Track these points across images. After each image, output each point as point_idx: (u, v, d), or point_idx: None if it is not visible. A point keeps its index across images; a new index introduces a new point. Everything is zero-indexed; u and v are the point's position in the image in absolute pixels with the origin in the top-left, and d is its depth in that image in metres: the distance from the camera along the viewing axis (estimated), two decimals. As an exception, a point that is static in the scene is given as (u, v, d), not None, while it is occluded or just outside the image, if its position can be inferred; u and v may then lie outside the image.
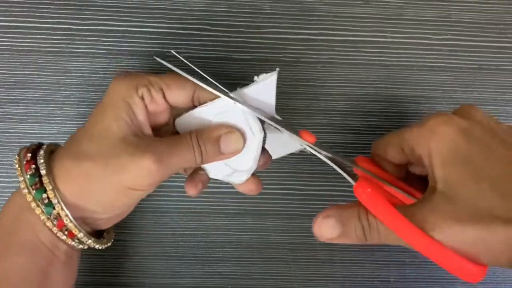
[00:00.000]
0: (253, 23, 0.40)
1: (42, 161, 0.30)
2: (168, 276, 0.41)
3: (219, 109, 0.32)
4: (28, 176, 0.30)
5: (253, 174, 0.34)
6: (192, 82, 0.32)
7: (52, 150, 0.32)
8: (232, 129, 0.32)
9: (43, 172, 0.30)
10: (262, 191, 0.40)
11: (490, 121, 0.29)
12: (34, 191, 0.30)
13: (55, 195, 0.30)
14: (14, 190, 0.40)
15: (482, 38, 0.41)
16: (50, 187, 0.30)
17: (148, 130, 0.32)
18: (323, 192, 0.41)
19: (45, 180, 0.30)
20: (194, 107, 0.33)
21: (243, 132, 0.32)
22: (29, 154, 0.31)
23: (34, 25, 0.40)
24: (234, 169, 0.33)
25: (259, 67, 0.40)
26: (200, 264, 0.41)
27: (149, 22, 0.40)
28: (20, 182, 0.30)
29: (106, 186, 0.30)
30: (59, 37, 0.40)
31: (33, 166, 0.30)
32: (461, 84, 0.41)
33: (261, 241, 0.41)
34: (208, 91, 0.32)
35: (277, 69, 0.32)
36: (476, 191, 0.26)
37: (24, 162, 0.31)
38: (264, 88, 0.32)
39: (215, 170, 0.34)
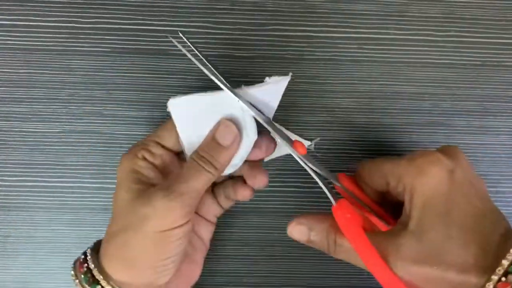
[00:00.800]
0: (256, 21, 0.40)
1: (89, 257, 0.32)
2: (172, 274, 0.41)
3: (217, 101, 0.32)
4: (82, 276, 0.31)
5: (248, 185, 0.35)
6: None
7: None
8: (218, 122, 0.32)
9: (91, 266, 0.31)
10: (266, 188, 0.41)
11: (470, 167, 0.30)
12: None
13: (108, 283, 0.30)
14: (18, 189, 0.40)
15: (485, 34, 0.41)
16: (101, 277, 0.31)
17: (161, 181, 0.33)
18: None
19: (95, 272, 0.31)
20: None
21: (231, 118, 0.32)
22: (82, 257, 0.32)
23: (38, 24, 0.40)
24: None
25: (262, 65, 0.40)
26: (204, 261, 0.41)
27: (152, 20, 0.40)
28: (77, 285, 0.31)
29: (142, 244, 0.30)
30: (63, 35, 0.40)
31: (85, 265, 0.31)
32: (464, 81, 0.41)
33: (264, 238, 0.41)
34: None
35: (290, 74, 0.32)
36: (443, 237, 0.28)
37: (78, 265, 0.32)
38: (273, 90, 0.33)
39: None
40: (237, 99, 0.32)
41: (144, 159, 0.33)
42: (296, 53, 0.41)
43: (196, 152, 0.32)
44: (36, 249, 0.40)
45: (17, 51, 0.40)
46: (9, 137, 0.40)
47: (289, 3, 0.40)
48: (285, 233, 0.41)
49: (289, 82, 0.40)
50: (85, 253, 0.33)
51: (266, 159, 0.40)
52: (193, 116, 0.33)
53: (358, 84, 0.41)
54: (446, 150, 0.30)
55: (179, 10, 0.40)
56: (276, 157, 0.41)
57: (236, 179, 0.36)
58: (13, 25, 0.40)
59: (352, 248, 0.30)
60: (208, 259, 0.41)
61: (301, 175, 0.41)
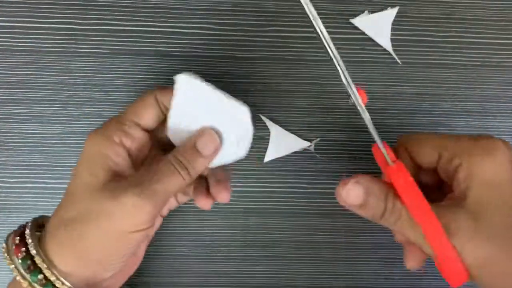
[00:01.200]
0: (257, 22, 0.40)
1: (30, 240, 0.29)
2: (173, 275, 0.41)
3: (224, 102, 0.32)
4: (20, 261, 0.28)
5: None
6: (154, 96, 0.32)
7: (40, 224, 0.31)
8: (202, 130, 0.32)
9: (33, 252, 0.28)
10: (266, 189, 0.41)
11: None
12: (29, 275, 0.28)
13: (52, 273, 0.28)
14: (18, 191, 0.40)
15: (485, 35, 0.41)
16: (45, 266, 0.28)
17: (131, 171, 0.31)
18: (327, 190, 0.41)
19: (37, 260, 0.28)
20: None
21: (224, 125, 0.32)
22: (18, 238, 0.29)
23: (37, 25, 0.40)
24: None
25: (263, 66, 0.40)
26: (205, 262, 0.41)
27: (152, 22, 0.40)
28: (12, 270, 0.28)
29: (102, 240, 0.29)
30: (62, 37, 0.40)
31: (23, 249, 0.29)
32: (464, 81, 0.41)
33: (265, 239, 0.41)
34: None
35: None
36: (504, 223, 0.27)
37: (13, 247, 0.29)
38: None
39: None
40: (248, 117, 0.32)
41: (121, 144, 0.31)
42: (297, 54, 0.40)
43: (173, 154, 0.31)
44: (36, 251, 0.40)
45: (16, 53, 0.40)
46: (9, 139, 0.40)
47: (290, 4, 0.40)
48: (285, 234, 0.41)
49: (290, 83, 0.40)
50: (21, 234, 0.30)
51: (266, 158, 0.40)
52: (194, 103, 0.32)
53: (359, 85, 0.41)
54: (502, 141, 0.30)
55: (180, 11, 0.40)
56: (276, 158, 0.41)
57: (198, 182, 0.36)
58: (12, 27, 0.39)
59: (407, 214, 0.28)
60: (209, 259, 0.41)
61: (302, 175, 0.41)
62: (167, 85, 0.32)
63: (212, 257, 0.41)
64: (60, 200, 0.40)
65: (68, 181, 0.40)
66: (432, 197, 0.30)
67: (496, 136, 0.40)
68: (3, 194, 0.40)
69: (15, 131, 0.40)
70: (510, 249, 0.27)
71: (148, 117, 0.32)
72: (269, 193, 0.41)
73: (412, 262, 0.32)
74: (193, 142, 0.31)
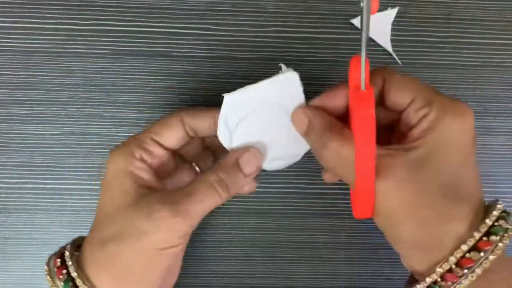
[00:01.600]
0: (257, 22, 0.40)
1: (70, 263, 0.29)
2: (173, 275, 0.41)
3: (274, 90, 0.32)
4: (63, 284, 0.29)
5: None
6: (180, 118, 0.32)
7: (79, 244, 0.31)
8: (246, 148, 0.32)
9: (74, 274, 0.29)
10: (266, 190, 0.41)
11: None
12: None
13: None
14: (18, 191, 0.40)
15: (484, 35, 0.41)
16: None
17: (160, 186, 0.32)
18: (327, 190, 0.41)
19: (78, 282, 0.28)
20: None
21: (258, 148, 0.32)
22: (59, 260, 0.29)
23: (36, 26, 0.40)
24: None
25: (263, 66, 0.40)
26: (204, 263, 0.41)
27: (151, 22, 0.40)
28: None
29: (137, 259, 0.29)
30: (62, 37, 0.40)
31: (64, 271, 0.29)
32: (464, 81, 0.41)
33: (265, 239, 0.41)
34: (202, 119, 0.32)
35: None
36: (440, 183, 0.26)
37: (55, 270, 0.29)
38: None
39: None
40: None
41: (142, 159, 0.31)
42: (297, 55, 0.41)
43: (215, 173, 0.30)
44: (36, 251, 0.40)
45: (17, 53, 0.40)
46: (9, 139, 0.40)
47: (290, 5, 0.40)
48: (285, 234, 0.41)
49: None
50: (62, 255, 0.30)
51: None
52: (245, 113, 0.32)
53: (358, 85, 0.41)
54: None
55: (179, 11, 0.40)
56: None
57: None
58: (12, 27, 0.40)
59: (341, 155, 0.28)
60: (209, 260, 0.41)
61: (302, 175, 0.41)
62: (195, 106, 0.32)
63: (212, 258, 0.41)
64: (60, 199, 0.40)
65: (68, 181, 0.40)
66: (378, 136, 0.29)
67: (496, 136, 0.41)
68: (3, 195, 0.40)
69: (16, 131, 0.40)
70: (439, 208, 0.26)
71: (170, 137, 0.32)
72: (269, 193, 0.41)
73: (328, 176, 0.33)
74: (235, 158, 0.31)
